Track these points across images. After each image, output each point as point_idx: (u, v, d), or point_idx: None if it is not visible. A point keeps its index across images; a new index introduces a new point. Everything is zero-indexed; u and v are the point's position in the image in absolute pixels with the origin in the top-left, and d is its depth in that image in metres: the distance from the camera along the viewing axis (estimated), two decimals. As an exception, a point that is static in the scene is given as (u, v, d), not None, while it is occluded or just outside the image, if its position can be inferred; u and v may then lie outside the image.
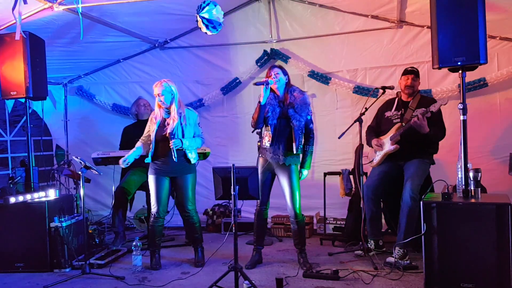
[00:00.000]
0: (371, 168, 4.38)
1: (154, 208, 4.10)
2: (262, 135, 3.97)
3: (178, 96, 4.07)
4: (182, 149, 4.01)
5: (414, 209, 3.81)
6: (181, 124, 4.02)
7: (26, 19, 3.91)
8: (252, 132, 4.27)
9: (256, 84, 3.81)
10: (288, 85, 3.93)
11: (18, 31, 3.55)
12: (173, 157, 3.97)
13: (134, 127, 5.19)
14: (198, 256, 4.24)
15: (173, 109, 4.01)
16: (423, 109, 3.96)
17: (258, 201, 4.01)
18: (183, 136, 4.01)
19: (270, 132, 3.85)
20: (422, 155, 4.09)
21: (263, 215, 4.10)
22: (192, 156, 4.12)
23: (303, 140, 3.91)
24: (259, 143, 4.10)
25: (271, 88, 3.85)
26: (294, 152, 3.82)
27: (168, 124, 4.00)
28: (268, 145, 3.87)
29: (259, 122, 3.87)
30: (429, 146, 4.12)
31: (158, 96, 3.98)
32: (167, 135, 3.96)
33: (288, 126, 3.83)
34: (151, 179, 4.09)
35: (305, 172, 3.98)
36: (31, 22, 4.08)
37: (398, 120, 4.17)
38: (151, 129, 4.10)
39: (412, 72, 4.18)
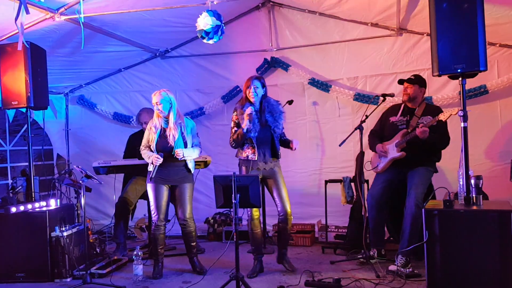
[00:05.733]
0: (375, 174, 4.35)
1: (154, 216, 4.10)
2: (243, 148, 4.03)
3: (177, 106, 4.10)
4: (183, 159, 4.04)
5: (418, 217, 3.77)
6: (182, 134, 4.06)
7: (28, 28, 3.93)
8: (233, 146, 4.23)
9: (247, 123, 3.88)
10: (264, 96, 4.07)
11: (20, 42, 3.57)
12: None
13: (140, 135, 5.20)
14: (196, 264, 4.22)
15: (171, 118, 4.04)
16: (429, 117, 3.96)
17: (249, 211, 4.04)
18: (185, 145, 4.06)
19: (253, 144, 3.95)
20: (426, 163, 4.07)
21: (252, 225, 4.10)
22: (191, 166, 4.17)
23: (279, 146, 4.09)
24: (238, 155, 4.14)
25: (248, 99, 4.02)
26: (278, 157, 4.04)
27: (168, 135, 4.03)
28: (254, 156, 3.95)
29: (240, 144, 4.02)
30: (433, 154, 4.11)
31: (157, 105, 4.02)
32: (171, 145, 4.00)
33: (268, 135, 3.99)
34: (150, 187, 4.10)
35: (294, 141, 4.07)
36: (33, 31, 4.11)
37: (404, 126, 4.15)
38: (150, 138, 4.11)
39: (403, 81, 4.20)
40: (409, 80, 4.17)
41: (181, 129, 4.07)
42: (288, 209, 4.06)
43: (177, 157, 3.98)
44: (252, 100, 4.00)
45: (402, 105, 4.26)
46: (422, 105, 4.17)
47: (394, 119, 4.25)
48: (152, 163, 4.02)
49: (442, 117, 3.80)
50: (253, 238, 4.13)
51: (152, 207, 4.11)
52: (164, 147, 4.04)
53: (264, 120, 3.98)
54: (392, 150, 4.15)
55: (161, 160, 3.97)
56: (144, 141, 4.18)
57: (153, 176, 4.01)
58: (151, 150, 4.08)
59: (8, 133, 5.71)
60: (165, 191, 4.11)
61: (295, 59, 5.54)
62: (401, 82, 4.24)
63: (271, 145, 4.01)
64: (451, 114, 3.75)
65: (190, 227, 4.19)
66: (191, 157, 4.13)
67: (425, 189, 3.96)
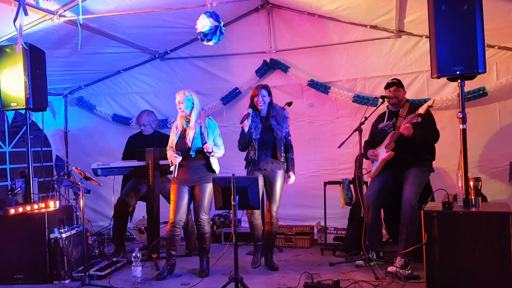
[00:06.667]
0: (370, 178, 4.37)
1: (171, 217, 4.13)
2: (248, 150, 4.28)
3: (199, 107, 4.17)
4: (209, 153, 4.05)
5: (414, 217, 3.80)
6: (201, 133, 4.10)
7: (26, 30, 3.92)
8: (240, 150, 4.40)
9: (241, 122, 4.17)
10: (271, 103, 4.32)
11: (19, 43, 3.57)
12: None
13: (138, 137, 5.21)
14: (203, 266, 4.21)
15: (192, 118, 4.11)
16: (413, 114, 4.00)
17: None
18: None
19: (255, 146, 4.21)
20: (419, 163, 4.10)
21: (252, 218, 4.28)
22: (217, 168, 4.21)
23: (283, 148, 4.28)
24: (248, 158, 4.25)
25: (255, 107, 4.27)
26: (278, 158, 4.22)
27: (187, 135, 4.09)
28: (255, 158, 4.20)
29: (245, 146, 4.28)
30: (426, 152, 4.12)
31: (179, 103, 4.10)
32: (189, 145, 4.06)
33: (271, 137, 4.23)
34: (173, 188, 4.16)
35: (291, 175, 4.33)
36: (31, 33, 4.10)
37: (392, 129, 4.22)
38: (172, 139, 4.20)
39: (392, 85, 4.27)
40: (396, 83, 4.27)
41: (200, 130, 4.11)
42: (273, 212, 4.27)
43: (205, 151, 4.02)
44: (259, 107, 4.26)
45: (387, 111, 4.36)
46: (405, 106, 4.26)
47: (382, 125, 4.35)
48: (171, 163, 4.10)
49: (421, 110, 3.88)
50: (254, 228, 4.31)
51: (172, 207, 4.14)
52: (182, 147, 4.09)
53: (268, 124, 4.23)
54: (382, 152, 4.21)
55: (179, 158, 4.05)
56: (169, 143, 4.26)
57: (175, 176, 4.11)
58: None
59: (7, 135, 5.70)
60: (186, 193, 4.16)
61: (294, 61, 5.54)
62: (389, 85, 4.29)
63: (273, 147, 4.22)
64: (428, 106, 3.86)
65: (203, 229, 4.18)
66: (217, 154, 4.16)
67: (420, 189, 3.98)
